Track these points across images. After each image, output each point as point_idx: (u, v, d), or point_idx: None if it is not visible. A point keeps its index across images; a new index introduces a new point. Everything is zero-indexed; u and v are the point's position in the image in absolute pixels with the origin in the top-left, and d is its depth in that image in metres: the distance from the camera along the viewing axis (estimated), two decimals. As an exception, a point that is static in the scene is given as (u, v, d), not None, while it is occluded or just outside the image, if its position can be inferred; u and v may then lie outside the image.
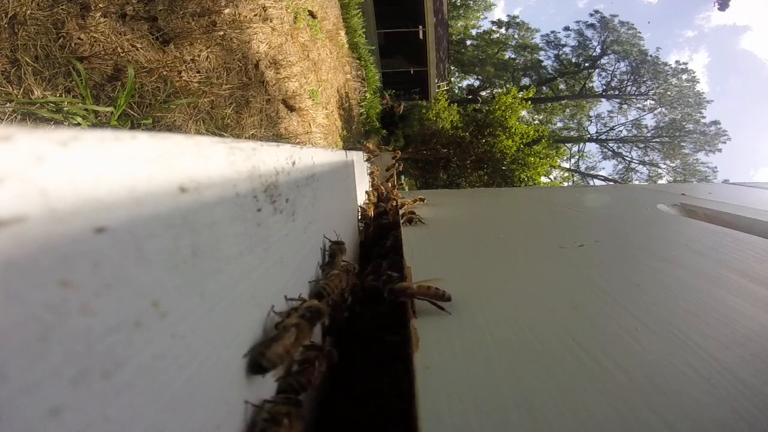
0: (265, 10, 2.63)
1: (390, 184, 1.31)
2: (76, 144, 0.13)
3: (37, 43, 1.22)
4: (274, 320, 0.31)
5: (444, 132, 6.37)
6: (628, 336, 0.35)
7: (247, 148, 0.28)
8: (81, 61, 1.32)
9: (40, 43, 1.23)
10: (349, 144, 4.67)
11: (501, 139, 5.88)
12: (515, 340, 0.35)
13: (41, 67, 1.22)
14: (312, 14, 3.84)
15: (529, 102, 6.69)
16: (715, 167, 16.14)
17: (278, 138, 2.55)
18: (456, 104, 7.33)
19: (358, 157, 1.11)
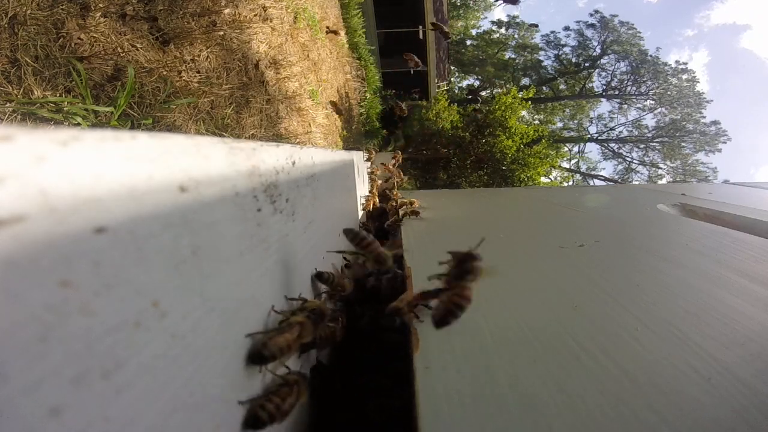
0: (265, 10, 2.63)
1: (390, 185, 1.31)
2: (76, 144, 0.13)
3: (37, 43, 1.22)
4: (278, 318, 0.32)
5: (444, 132, 6.37)
6: (628, 336, 0.35)
7: (247, 148, 0.28)
8: (81, 61, 1.32)
9: (40, 43, 1.23)
10: (349, 144, 4.67)
11: (501, 139, 5.88)
12: (515, 340, 0.35)
13: (41, 67, 1.22)
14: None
15: (529, 102, 6.69)
16: (715, 168, 16.16)
17: (278, 138, 2.55)
18: (456, 104, 7.33)
19: (358, 157, 1.11)
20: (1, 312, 0.11)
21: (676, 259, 0.54)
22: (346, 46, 5.74)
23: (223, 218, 0.23)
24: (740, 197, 1.02)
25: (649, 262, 0.54)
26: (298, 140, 2.91)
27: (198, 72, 1.89)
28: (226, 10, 2.14)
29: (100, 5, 1.41)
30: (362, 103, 6.35)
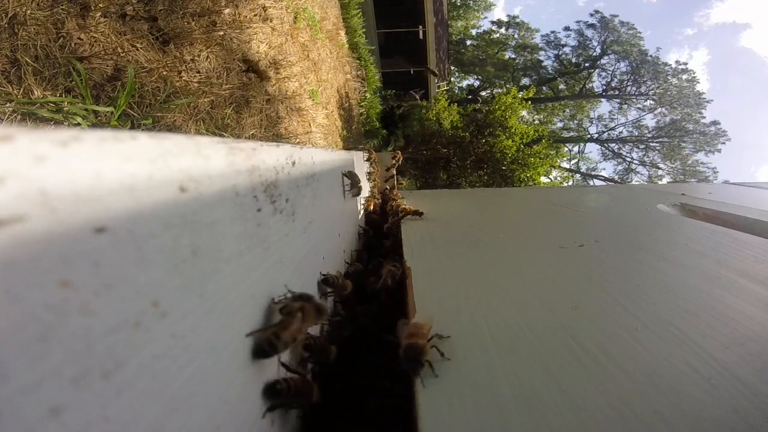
0: (265, 10, 2.63)
1: (390, 185, 1.31)
2: (76, 144, 0.13)
3: (37, 43, 1.22)
4: (278, 306, 0.31)
5: (444, 132, 6.36)
6: (628, 336, 0.35)
7: (247, 148, 0.28)
8: (81, 61, 1.32)
9: (40, 43, 1.23)
10: (348, 144, 4.67)
11: (501, 139, 5.87)
12: (515, 340, 0.35)
13: (41, 67, 1.22)
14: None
15: (529, 102, 6.68)
16: (715, 168, 16.16)
17: (278, 138, 2.55)
18: (456, 104, 7.33)
19: (358, 157, 1.11)
20: (1, 312, 0.11)
21: (676, 259, 0.54)
22: (346, 46, 5.74)
23: (223, 218, 0.23)
24: (740, 197, 1.02)
25: (649, 262, 0.54)
26: (298, 140, 2.91)
27: (198, 72, 1.89)
28: (226, 10, 2.14)
29: (100, 5, 1.41)
30: (362, 103, 6.35)
